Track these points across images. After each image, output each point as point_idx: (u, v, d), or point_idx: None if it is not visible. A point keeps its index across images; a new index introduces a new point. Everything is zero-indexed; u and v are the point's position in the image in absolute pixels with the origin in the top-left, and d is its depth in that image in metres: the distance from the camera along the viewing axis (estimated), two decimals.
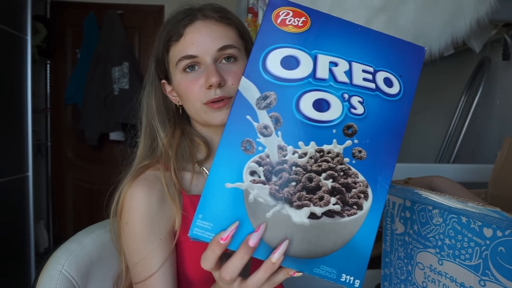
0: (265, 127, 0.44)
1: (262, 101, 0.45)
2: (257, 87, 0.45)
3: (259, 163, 0.43)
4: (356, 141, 0.46)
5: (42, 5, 2.78)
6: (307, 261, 0.43)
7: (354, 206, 0.44)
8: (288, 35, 0.47)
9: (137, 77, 2.86)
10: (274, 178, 0.43)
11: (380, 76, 0.48)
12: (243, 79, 0.45)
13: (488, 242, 0.53)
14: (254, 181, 0.43)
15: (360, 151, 0.45)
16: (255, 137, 0.44)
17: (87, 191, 3.04)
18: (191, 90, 0.68)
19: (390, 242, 0.75)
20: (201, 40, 0.68)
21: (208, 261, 0.42)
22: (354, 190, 0.44)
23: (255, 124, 0.44)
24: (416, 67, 0.49)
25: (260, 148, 0.44)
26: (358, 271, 0.44)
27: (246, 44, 0.74)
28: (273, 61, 0.46)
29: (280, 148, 0.44)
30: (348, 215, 0.44)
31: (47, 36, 2.69)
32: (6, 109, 1.95)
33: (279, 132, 0.44)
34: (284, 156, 0.44)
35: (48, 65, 2.90)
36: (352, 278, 0.44)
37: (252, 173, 0.43)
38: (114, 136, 2.87)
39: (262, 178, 0.43)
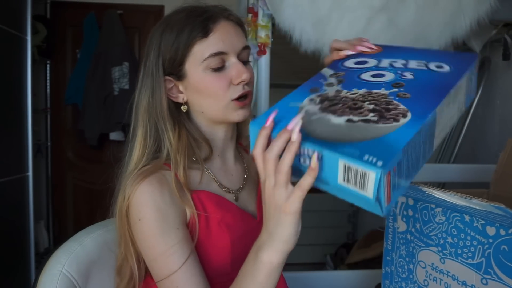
0: (330, 83, 0.58)
1: (334, 74, 0.60)
2: (333, 71, 0.62)
3: (318, 95, 0.55)
4: (402, 89, 0.53)
5: (42, 5, 2.77)
6: (332, 144, 0.45)
7: (391, 119, 0.47)
8: (364, 55, 0.64)
9: (137, 77, 2.85)
10: (326, 102, 0.53)
11: (432, 64, 0.59)
12: (325, 68, 0.63)
13: (491, 240, 0.53)
14: (310, 103, 0.54)
15: (404, 94, 0.52)
16: (321, 86, 0.57)
17: (87, 191, 3.03)
18: (220, 86, 0.70)
19: (392, 240, 0.76)
20: (230, 38, 0.71)
21: (257, 144, 0.50)
22: (393, 111, 0.49)
23: (324, 81, 0.59)
24: (467, 63, 0.58)
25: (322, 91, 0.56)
26: (383, 155, 0.42)
27: None
28: (349, 62, 0.63)
29: (337, 91, 0.55)
30: (383, 123, 0.47)
31: (47, 36, 2.69)
32: (6, 109, 1.95)
33: (340, 85, 0.57)
34: (339, 94, 0.55)
35: (48, 65, 2.89)
36: (375, 158, 0.41)
37: (310, 100, 0.54)
38: (114, 136, 2.87)
39: (317, 102, 0.54)
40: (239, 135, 0.85)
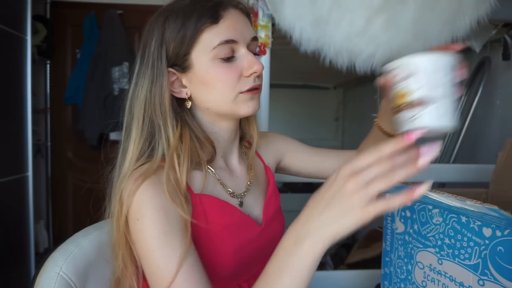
0: None
1: None
2: None
3: None
4: None
5: (42, 5, 2.77)
6: None
7: None
8: None
9: (131, 70, 2.85)
10: None
11: None
12: None
13: (487, 241, 0.53)
14: None
15: None
16: None
17: (87, 191, 3.03)
18: (230, 78, 0.65)
19: (390, 241, 0.75)
20: (240, 26, 0.66)
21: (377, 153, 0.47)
22: None
23: None
24: None
25: None
26: None
27: None
28: None
29: None
30: None
31: (47, 36, 2.69)
32: (6, 109, 1.95)
33: None
34: None
35: (48, 65, 2.89)
36: None
37: None
38: (114, 136, 2.87)
39: None
40: (243, 135, 0.80)
